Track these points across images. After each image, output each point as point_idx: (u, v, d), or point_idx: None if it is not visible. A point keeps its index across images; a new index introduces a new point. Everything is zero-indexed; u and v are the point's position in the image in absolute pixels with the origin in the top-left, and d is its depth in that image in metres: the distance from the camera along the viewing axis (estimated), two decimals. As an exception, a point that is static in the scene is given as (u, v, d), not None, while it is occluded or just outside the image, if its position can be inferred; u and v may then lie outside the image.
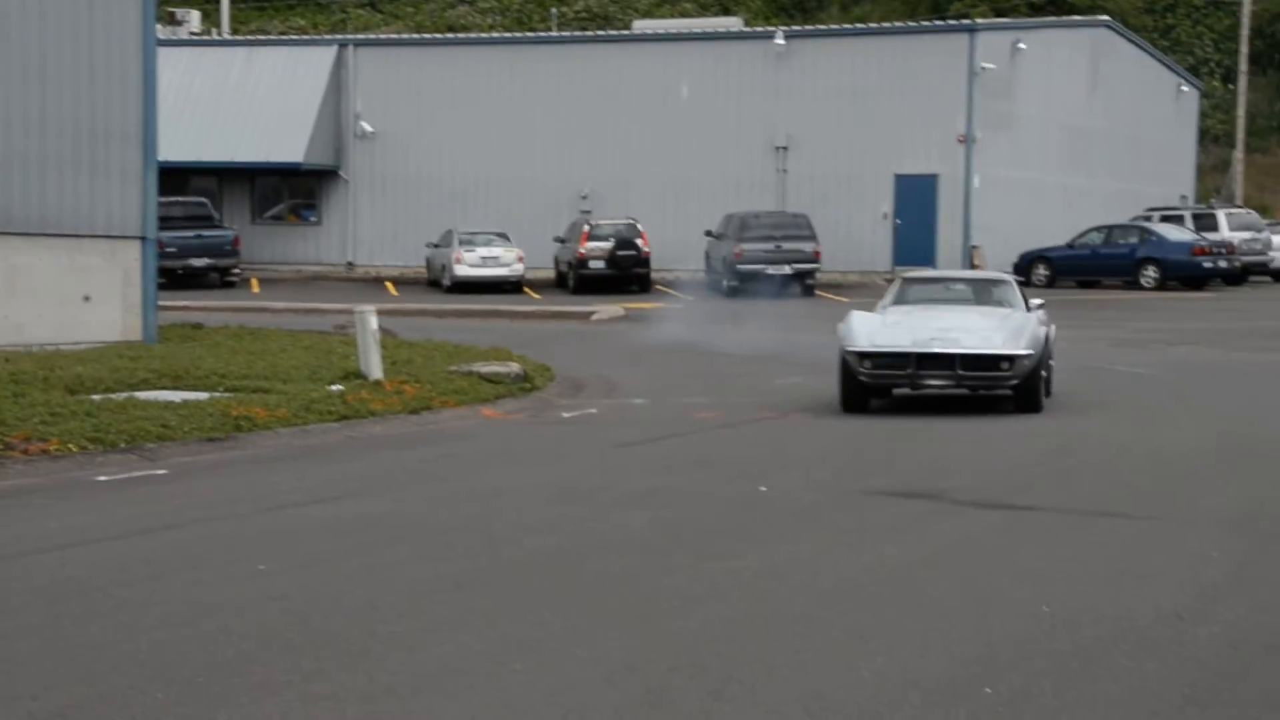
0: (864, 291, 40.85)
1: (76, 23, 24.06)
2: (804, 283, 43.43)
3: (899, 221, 48.75)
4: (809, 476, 14.03)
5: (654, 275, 45.92)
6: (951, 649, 7.88)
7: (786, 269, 43.20)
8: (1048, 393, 19.62)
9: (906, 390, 19.15)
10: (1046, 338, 19.19)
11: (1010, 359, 18.17)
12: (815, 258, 43.84)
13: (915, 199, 48.85)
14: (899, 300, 20.32)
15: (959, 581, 9.62)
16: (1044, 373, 19.08)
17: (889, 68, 48.81)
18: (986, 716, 6.73)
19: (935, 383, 18.66)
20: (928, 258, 47.56)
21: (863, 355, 18.33)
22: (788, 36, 50.24)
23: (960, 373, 18.33)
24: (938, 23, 54.66)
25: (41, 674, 7.33)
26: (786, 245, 43.59)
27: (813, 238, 44.20)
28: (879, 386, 18.86)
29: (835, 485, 13.48)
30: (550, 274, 47.10)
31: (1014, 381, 18.31)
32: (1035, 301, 20.32)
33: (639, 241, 45.19)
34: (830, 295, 42.18)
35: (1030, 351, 18.24)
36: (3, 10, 23.03)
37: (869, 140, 48.25)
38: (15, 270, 23.32)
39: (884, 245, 48.69)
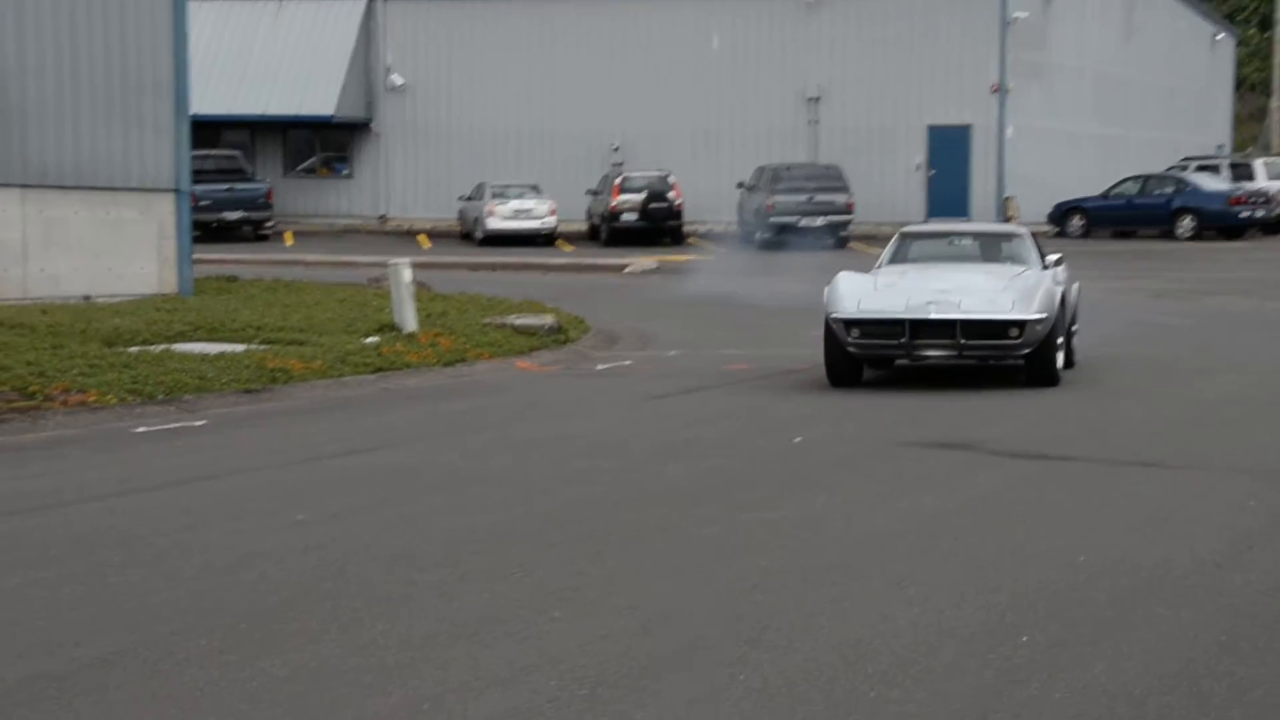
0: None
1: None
2: (837, 235, 43.24)
3: (932, 172, 48.58)
4: (842, 428, 14.04)
5: (686, 228, 45.89)
6: (987, 597, 7.90)
7: (819, 221, 43.06)
8: (1070, 362, 17.62)
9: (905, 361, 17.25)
10: (1063, 299, 16.84)
11: (1020, 324, 15.87)
12: (848, 209, 43.69)
13: (948, 150, 48.64)
14: (896, 258, 17.93)
15: (994, 531, 9.63)
16: (1061, 339, 16.71)
17: (921, 17, 48.36)
18: (1023, 664, 6.75)
19: (934, 353, 16.39)
20: (961, 209, 47.48)
21: (849, 323, 16.05)
22: None
23: (962, 341, 16.05)
24: None
25: (84, 622, 7.42)
26: (819, 197, 43.46)
27: (845, 189, 44.10)
28: (870, 358, 16.74)
29: (869, 436, 13.48)
30: (583, 226, 47.06)
31: (1025, 350, 16.04)
32: (1053, 257, 18.05)
33: (671, 194, 45.15)
34: (864, 247, 42.04)
35: (1043, 315, 15.91)
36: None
37: (901, 91, 48.03)
38: (51, 223, 23.42)
39: (917, 197, 48.47)
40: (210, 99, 42.68)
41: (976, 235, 19.55)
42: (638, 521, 9.89)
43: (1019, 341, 15.92)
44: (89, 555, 8.83)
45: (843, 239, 43.35)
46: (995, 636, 7.15)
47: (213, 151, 45.23)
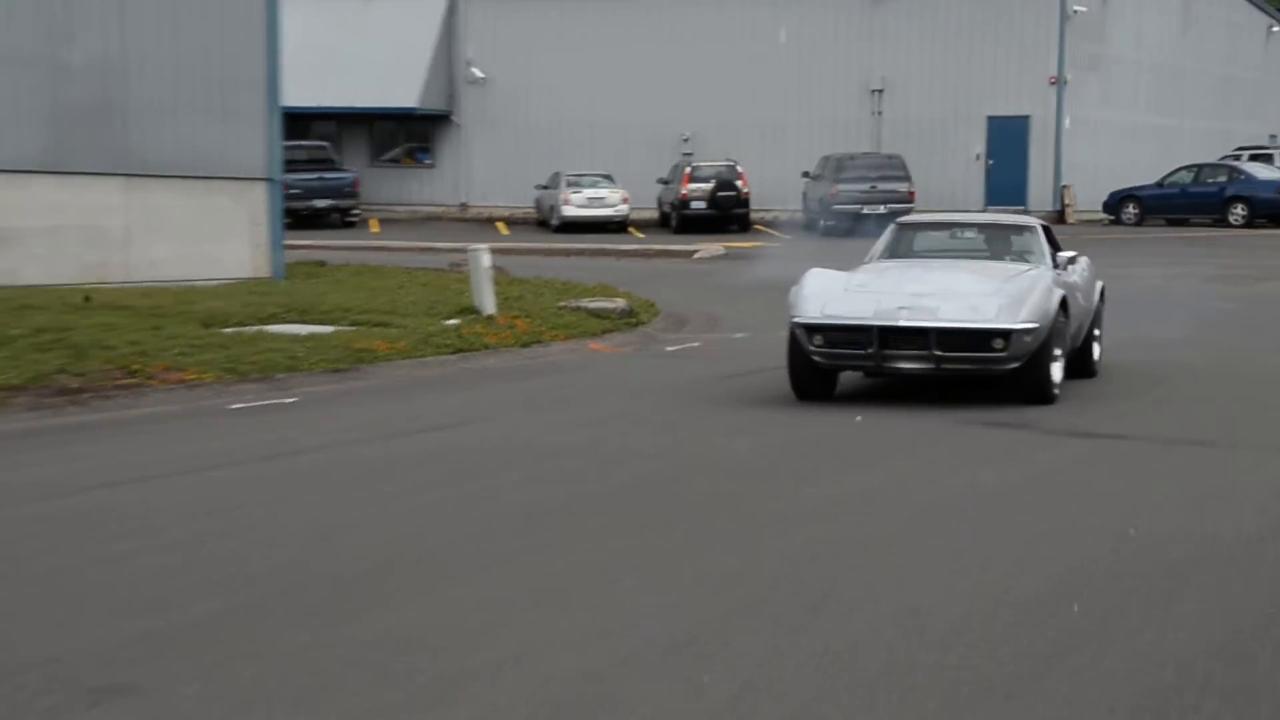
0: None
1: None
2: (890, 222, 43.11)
3: (991, 162, 48.38)
4: (901, 407, 14.01)
5: (753, 215, 45.85)
6: (1042, 568, 7.93)
7: (881, 209, 42.73)
8: (1092, 371, 15.56)
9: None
10: (1064, 303, 13.90)
11: (1005, 335, 13.04)
12: (909, 198, 43.37)
13: (1007, 140, 48.42)
14: (890, 252, 15.32)
15: (1049, 505, 9.65)
16: (1060, 350, 13.81)
17: (982, 11, 48.26)
18: (1077, 632, 6.78)
19: (907, 365, 13.44)
20: (1019, 197, 47.30)
21: (812, 328, 13.38)
22: None
23: (938, 353, 13.18)
24: None
25: (185, 587, 7.55)
26: (881, 186, 43.29)
27: (907, 178, 43.89)
28: (836, 368, 13.94)
29: (927, 415, 13.45)
30: (654, 214, 47.09)
31: (1012, 365, 13.24)
32: (1066, 254, 15.17)
33: (739, 183, 45.12)
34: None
35: (1032, 324, 13.12)
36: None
37: (962, 83, 47.91)
38: (151, 211, 23.68)
39: (976, 185, 48.29)
40: (300, 92, 42.66)
41: (983, 226, 16.46)
42: (707, 493, 9.97)
43: (1004, 353, 13.12)
44: (190, 524, 8.97)
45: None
46: (1050, 605, 7.18)
47: (303, 142, 45.46)
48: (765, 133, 48.93)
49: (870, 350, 13.26)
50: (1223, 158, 48.49)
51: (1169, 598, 7.38)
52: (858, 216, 41.91)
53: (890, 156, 45.24)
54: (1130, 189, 46.90)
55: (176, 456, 11.40)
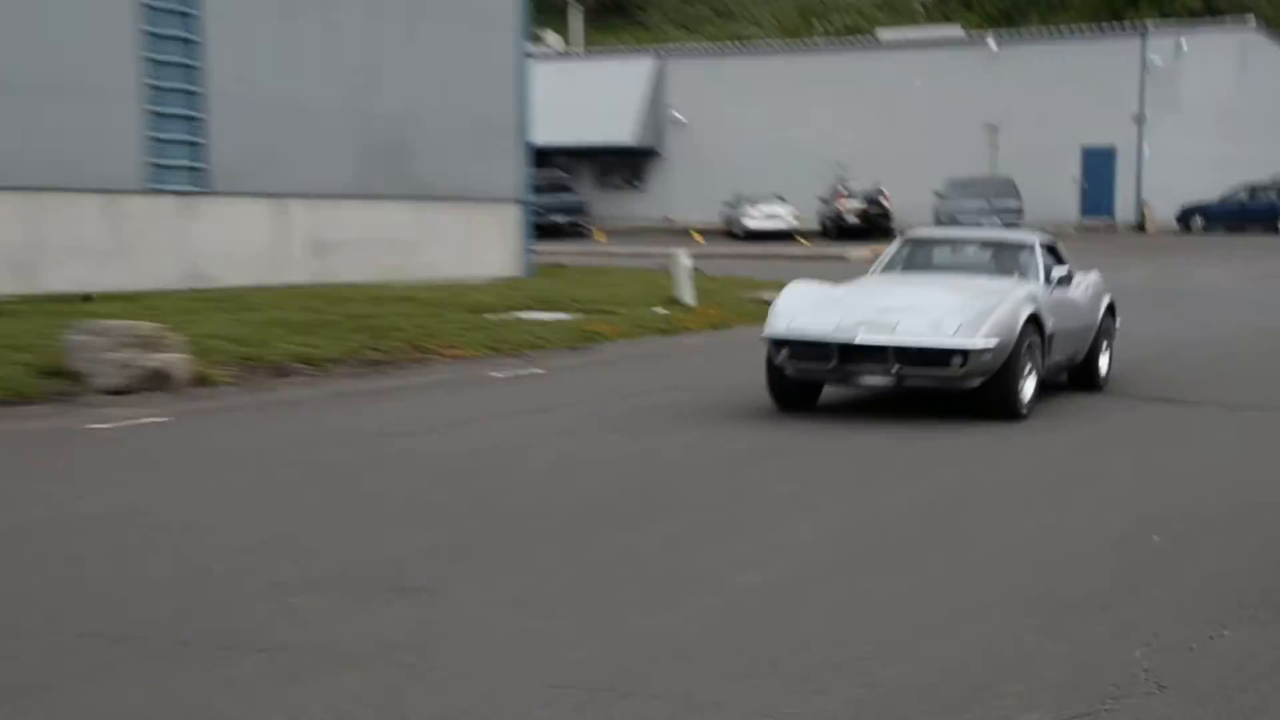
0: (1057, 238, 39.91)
1: (473, 47, 24.70)
2: None
3: (1085, 184, 47.65)
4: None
5: (894, 226, 45.34)
6: (1127, 509, 7.72)
7: (996, 220, 42.26)
8: (1099, 384, 12.70)
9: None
10: (1036, 320, 11.04)
11: (964, 353, 10.48)
12: (1019, 212, 42.67)
13: (1098, 166, 47.82)
14: (891, 265, 12.61)
15: (1130, 457, 9.40)
16: (1028, 366, 10.95)
17: (1077, 62, 47.68)
18: (1156, 556, 6.61)
19: (871, 380, 10.82)
20: (1107, 212, 46.92)
21: (778, 342, 11.00)
22: (998, 41, 49.47)
23: (896, 368, 10.66)
24: (1117, 26, 52.47)
25: (457, 515, 7.59)
26: (996, 201, 42.54)
27: (1016, 196, 43.11)
28: (806, 381, 11.27)
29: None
30: (815, 226, 46.89)
31: (974, 381, 10.63)
32: (1059, 271, 12.19)
33: (882, 200, 44.90)
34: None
35: (993, 341, 10.49)
36: (421, 41, 23.71)
37: (1061, 120, 47.26)
38: (433, 226, 24.14)
39: (1072, 202, 47.84)
40: (543, 133, 43.21)
41: (985, 243, 13.05)
42: (865, 447, 9.84)
43: (963, 371, 10.56)
44: (466, 463, 9.04)
45: None
46: (1133, 539, 6.99)
47: (544, 171, 45.90)
48: (904, 159, 48.39)
49: (833, 364, 10.79)
50: (1273, 178, 46.86)
51: (1232, 531, 7.14)
52: (978, 226, 41.54)
53: (1003, 179, 44.56)
54: (1198, 204, 45.64)
55: (454, 413, 11.51)
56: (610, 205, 53.33)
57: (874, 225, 44.12)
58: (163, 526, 7.19)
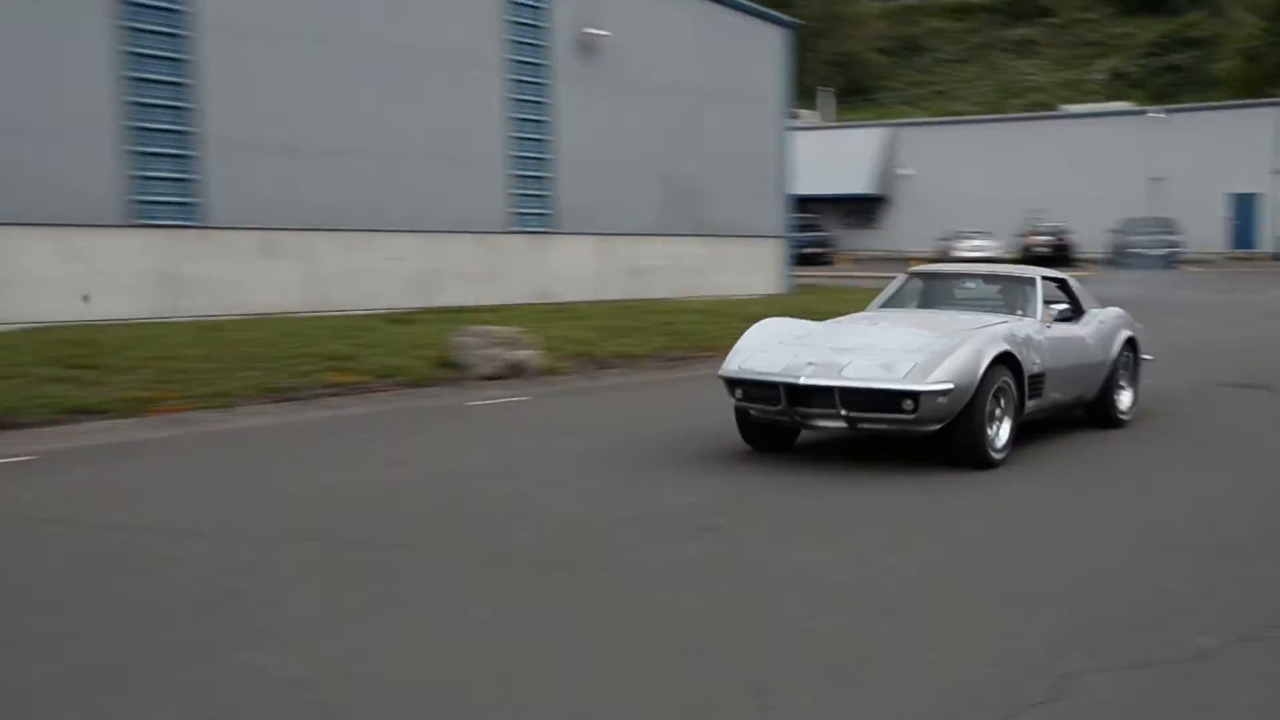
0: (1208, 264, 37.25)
1: (748, 122, 24.77)
2: (1168, 261, 40.06)
3: (1236, 221, 46.09)
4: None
5: (1076, 256, 43.86)
6: (1205, 492, 6.93)
7: (1159, 251, 40.34)
8: (1117, 422, 9.29)
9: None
10: (1006, 360, 7.76)
11: (914, 396, 7.32)
12: (1177, 245, 40.88)
13: (1243, 208, 46.07)
14: (890, 300, 9.60)
15: (1186, 463, 8.51)
16: (1000, 409, 7.72)
17: (1227, 129, 46.14)
18: (1243, 536, 5.93)
19: (822, 423, 7.66)
20: (1249, 246, 45.19)
21: (731, 382, 8.03)
22: (1164, 112, 48.77)
23: (843, 412, 7.48)
24: (1258, 101, 49.59)
25: (749, 469, 7.33)
26: (1159, 237, 40.85)
27: (1176, 232, 41.52)
28: (767, 423, 8.11)
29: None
30: (1014, 257, 45.45)
31: (930, 426, 7.44)
32: (1056, 308, 9.10)
33: (1068, 235, 43.28)
34: (1188, 269, 38.57)
35: (946, 386, 7.31)
36: (709, 119, 23.83)
37: (1212, 172, 45.70)
38: (717, 255, 24.21)
39: (1222, 238, 46.18)
40: (801, 184, 43.13)
41: (988, 278, 9.54)
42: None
43: (913, 415, 7.36)
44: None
45: (1172, 264, 39.90)
46: (1190, 542, 5.81)
47: (800, 214, 45.46)
48: (1084, 204, 46.75)
49: (782, 406, 7.69)
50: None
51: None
52: (1145, 257, 39.77)
53: (1166, 219, 42.86)
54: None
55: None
56: (852, 240, 52.82)
57: (1060, 255, 42.74)
58: (521, 477, 7.37)
